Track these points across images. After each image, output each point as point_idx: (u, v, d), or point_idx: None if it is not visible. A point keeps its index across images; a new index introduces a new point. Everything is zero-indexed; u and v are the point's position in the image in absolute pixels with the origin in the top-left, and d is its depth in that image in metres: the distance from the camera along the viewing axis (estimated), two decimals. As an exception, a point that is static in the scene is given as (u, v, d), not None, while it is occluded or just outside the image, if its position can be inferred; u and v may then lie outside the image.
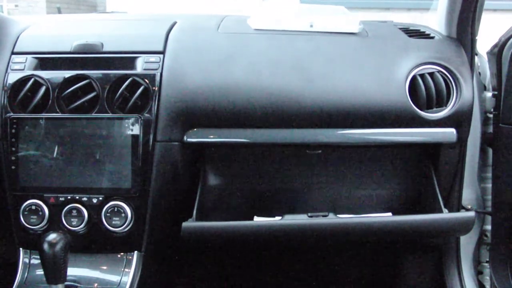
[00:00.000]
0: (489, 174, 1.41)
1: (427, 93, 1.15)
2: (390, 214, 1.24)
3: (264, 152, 1.24)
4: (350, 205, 1.26)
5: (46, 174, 1.09)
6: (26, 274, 1.11)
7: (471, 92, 1.17)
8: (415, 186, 1.26)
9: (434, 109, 1.16)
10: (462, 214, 1.17)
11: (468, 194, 1.38)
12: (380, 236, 1.13)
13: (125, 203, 1.09)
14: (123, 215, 1.08)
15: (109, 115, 1.09)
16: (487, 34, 1.60)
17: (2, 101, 1.10)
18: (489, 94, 1.38)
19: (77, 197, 1.09)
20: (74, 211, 1.08)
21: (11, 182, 1.10)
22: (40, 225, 1.09)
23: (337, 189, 1.26)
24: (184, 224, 1.05)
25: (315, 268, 1.58)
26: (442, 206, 1.14)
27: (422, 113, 1.14)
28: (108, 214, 1.08)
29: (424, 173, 1.23)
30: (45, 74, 1.12)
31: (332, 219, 1.13)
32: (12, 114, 1.09)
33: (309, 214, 1.14)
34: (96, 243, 1.11)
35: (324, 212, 1.16)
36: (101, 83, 1.10)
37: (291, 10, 1.32)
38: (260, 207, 1.24)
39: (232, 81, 1.12)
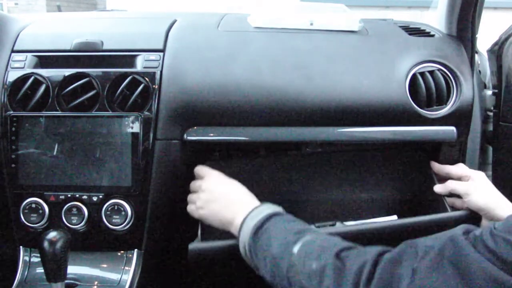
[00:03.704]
0: (489, 172, 1.41)
1: (427, 91, 1.15)
2: (395, 217, 1.24)
3: (264, 160, 1.23)
4: (352, 210, 1.26)
5: (46, 172, 1.09)
6: (26, 272, 1.11)
7: (471, 90, 1.17)
8: (416, 187, 1.26)
9: (434, 107, 1.16)
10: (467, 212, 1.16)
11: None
12: (390, 240, 1.12)
13: (125, 201, 1.09)
14: (123, 213, 1.08)
15: (109, 113, 1.09)
16: (488, 32, 1.60)
17: (2, 99, 1.10)
18: (489, 92, 1.38)
19: (77, 195, 1.09)
20: (74, 209, 1.08)
21: (11, 180, 1.10)
22: (40, 223, 1.09)
23: (338, 194, 1.25)
24: (191, 246, 1.03)
25: None
26: (447, 205, 1.14)
27: (422, 111, 1.14)
28: (108, 212, 1.08)
29: (424, 173, 1.23)
30: (45, 72, 1.12)
31: (340, 228, 1.12)
32: (12, 112, 1.09)
33: (316, 224, 1.14)
34: (96, 241, 1.11)
35: (329, 218, 1.16)
36: (101, 81, 1.10)
37: (291, 8, 1.32)
38: None
39: (232, 79, 1.11)
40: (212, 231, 1.04)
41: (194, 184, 1.09)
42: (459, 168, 1.17)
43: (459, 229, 0.74)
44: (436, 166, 1.21)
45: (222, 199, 1.02)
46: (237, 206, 0.98)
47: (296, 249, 0.85)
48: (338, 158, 1.25)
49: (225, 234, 0.99)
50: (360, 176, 1.25)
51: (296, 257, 0.84)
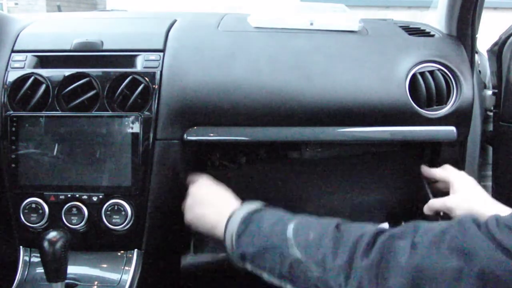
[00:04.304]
0: (489, 172, 1.41)
1: (427, 91, 1.15)
2: (386, 224, 1.24)
3: (259, 166, 1.22)
4: (348, 211, 1.25)
5: (46, 172, 1.09)
6: (26, 272, 1.11)
7: (471, 90, 1.17)
8: (409, 190, 1.25)
9: (434, 107, 1.16)
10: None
11: (468, 192, 1.38)
12: None
13: (125, 201, 1.09)
14: (123, 213, 1.08)
15: (109, 113, 1.09)
16: (488, 32, 1.60)
17: (2, 99, 1.10)
18: (489, 92, 1.38)
19: (77, 195, 1.09)
20: (74, 209, 1.08)
21: (11, 181, 1.09)
22: (40, 223, 1.09)
23: (334, 199, 1.24)
24: (184, 260, 1.02)
25: None
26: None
27: (422, 111, 1.14)
28: (108, 212, 1.08)
29: (417, 176, 1.22)
30: (45, 72, 1.12)
31: None
32: (12, 112, 1.09)
33: None
34: (96, 241, 1.11)
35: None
36: (101, 81, 1.10)
37: (291, 8, 1.32)
38: None
39: (232, 79, 1.11)
40: (203, 238, 1.04)
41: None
42: (443, 172, 1.16)
43: (468, 215, 0.73)
44: (425, 170, 1.20)
45: (205, 203, 1.01)
46: (221, 209, 0.97)
47: (291, 225, 0.84)
48: (334, 163, 1.24)
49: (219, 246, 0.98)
50: (355, 181, 1.24)
51: (292, 231, 0.82)
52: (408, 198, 1.26)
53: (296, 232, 0.83)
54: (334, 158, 1.24)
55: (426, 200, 1.16)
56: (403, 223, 1.26)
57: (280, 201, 1.20)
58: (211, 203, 1.00)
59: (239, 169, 1.20)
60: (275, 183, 1.21)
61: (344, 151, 1.32)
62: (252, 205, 0.94)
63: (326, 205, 1.24)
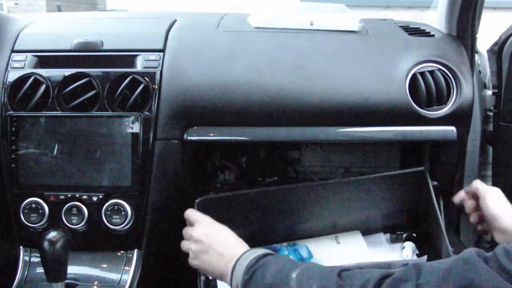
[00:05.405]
0: (489, 172, 1.41)
1: (427, 91, 1.15)
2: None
3: (262, 192, 1.19)
4: (351, 224, 1.23)
5: (46, 172, 1.09)
6: (26, 272, 1.11)
7: (471, 90, 1.17)
8: (413, 203, 1.23)
9: (434, 107, 1.16)
10: None
11: (468, 192, 1.38)
12: None
13: (125, 201, 1.09)
14: (123, 213, 1.08)
15: (109, 113, 1.09)
16: (487, 32, 1.60)
17: (2, 99, 1.10)
18: (489, 92, 1.38)
19: (77, 195, 1.09)
20: (74, 209, 1.08)
21: (11, 180, 1.10)
22: (40, 223, 1.09)
23: (337, 214, 1.21)
24: None
25: None
26: (440, 217, 1.13)
27: (422, 111, 1.14)
28: (108, 212, 1.08)
29: (422, 191, 1.19)
30: (45, 72, 1.12)
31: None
32: (12, 112, 1.09)
33: None
34: (96, 241, 1.11)
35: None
36: (101, 81, 1.10)
37: (291, 8, 1.32)
38: (257, 238, 1.16)
39: (232, 79, 1.11)
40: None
41: (185, 231, 1.03)
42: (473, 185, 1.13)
43: (471, 249, 0.70)
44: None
45: (212, 250, 0.97)
46: (225, 258, 0.95)
47: (294, 274, 0.82)
48: (341, 185, 1.21)
49: None
50: (358, 200, 1.21)
51: (295, 281, 0.81)
52: (410, 209, 1.23)
53: (299, 283, 0.80)
54: (339, 182, 1.21)
55: (434, 211, 1.14)
56: (404, 233, 1.24)
57: (285, 225, 1.18)
58: (216, 251, 0.96)
59: (239, 196, 1.16)
60: (279, 208, 1.17)
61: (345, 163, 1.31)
62: (255, 252, 0.91)
63: (329, 220, 1.21)
